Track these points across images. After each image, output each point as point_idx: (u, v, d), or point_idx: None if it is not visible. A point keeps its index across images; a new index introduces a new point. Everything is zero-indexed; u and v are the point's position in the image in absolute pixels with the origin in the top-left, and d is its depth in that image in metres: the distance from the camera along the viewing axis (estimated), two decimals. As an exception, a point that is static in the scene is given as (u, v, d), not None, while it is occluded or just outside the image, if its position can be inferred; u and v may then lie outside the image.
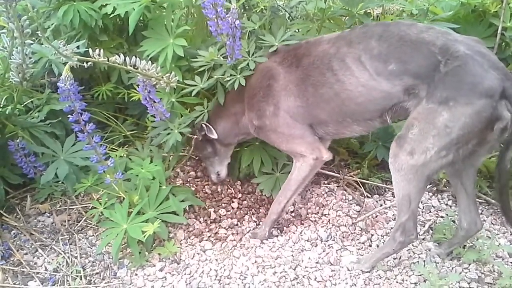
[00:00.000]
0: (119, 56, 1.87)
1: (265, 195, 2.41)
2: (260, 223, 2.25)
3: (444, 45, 1.66)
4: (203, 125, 2.20)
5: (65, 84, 1.79)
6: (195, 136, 2.23)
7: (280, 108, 1.98)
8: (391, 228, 2.17)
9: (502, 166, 1.72)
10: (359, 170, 2.48)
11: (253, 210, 2.35)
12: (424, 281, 1.83)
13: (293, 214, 2.29)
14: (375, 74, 1.75)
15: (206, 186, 2.44)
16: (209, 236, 2.16)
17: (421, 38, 1.71)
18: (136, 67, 1.90)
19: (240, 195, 2.43)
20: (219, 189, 2.44)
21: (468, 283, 1.87)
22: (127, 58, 1.86)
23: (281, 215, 2.14)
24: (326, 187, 2.43)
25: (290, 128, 2.00)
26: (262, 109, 2.02)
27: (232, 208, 2.35)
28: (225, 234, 2.18)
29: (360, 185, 2.43)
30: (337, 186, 2.44)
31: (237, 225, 2.25)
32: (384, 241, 2.09)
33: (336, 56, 1.84)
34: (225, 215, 2.29)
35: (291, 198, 2.09)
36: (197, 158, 2.57)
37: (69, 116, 1.85)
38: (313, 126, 2.00)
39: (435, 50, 1.66)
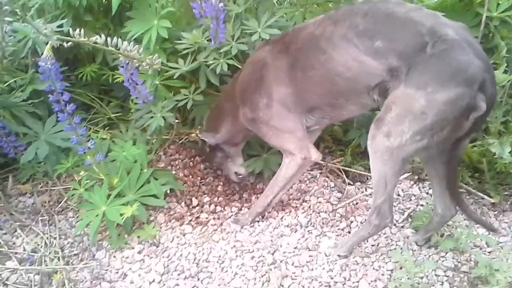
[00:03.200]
0: (101, 37, 1.84)
1: (248, 180, 2.41)
2: (243, 208, 2.26)
3: (433, 27, 1.63)
4: (200, 138, 2.29)
5: (46, 63, 1.77)
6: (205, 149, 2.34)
7: (273, 99, 1.96)
8: (371, 215, 2.18)
9: (456, 151, 1.78)
10: (342, 158, 2.48)
11: (236, 195, 2.36)
12: (400, 268, 1.84)
13: (275, 200, 2.29)
14: (362, 49, 1.73)
15: (187, 170, 2.44)
16: (190, 220, 2.16)
17: (410, 17, 1.68)
18: (118, 48, 1.88)
19: (223, 180, 2.43)
20: (203, 174, 2.45)
21: (444, 272, 1.89)
22: (109, 39, 1.84)
23: (266, 209, 2.14)
24: (309, 173, 2.43)
25: (282, 121, 1.98)
26: (255, 102, 2.00)
27: (215, 192, 2.35)
28: (207, 218, 2.18)
29: (343, 172, 2.43)
30: (320, 173, 2.44)
31: (219, 210, 2.25)
32: (364, 228, 2.10)
33: (323, 36, 1.82)
34: (207, 200, 2.29)
35: (278, 194, 2.09)
36: (180, 142, 2.57)
37: (49, 96, 1.83)
38: (310, 113, 1.99)
39: (423, 31, 1.63)
